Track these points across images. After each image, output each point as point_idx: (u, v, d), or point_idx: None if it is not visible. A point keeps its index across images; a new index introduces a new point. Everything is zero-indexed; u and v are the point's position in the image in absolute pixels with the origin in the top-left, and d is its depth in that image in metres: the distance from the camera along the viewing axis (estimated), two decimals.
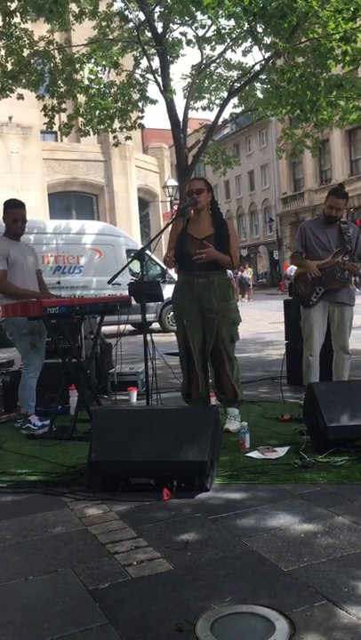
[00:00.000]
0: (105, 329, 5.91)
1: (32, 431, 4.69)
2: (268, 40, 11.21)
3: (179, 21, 12.36)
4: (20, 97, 11.79)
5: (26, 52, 11.64)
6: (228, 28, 12.25)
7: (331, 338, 5.04)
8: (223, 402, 4.58)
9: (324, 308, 4.96)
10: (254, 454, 3.81)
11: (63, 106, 12.26)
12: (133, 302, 5.18)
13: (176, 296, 4.57)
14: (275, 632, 1.91)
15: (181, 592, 2.21)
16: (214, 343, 4.41)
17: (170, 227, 4.59)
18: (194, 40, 13.15)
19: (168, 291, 5.32)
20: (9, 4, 10.63)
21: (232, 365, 4.48)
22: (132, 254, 4.65)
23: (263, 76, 12.77)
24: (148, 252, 4.80)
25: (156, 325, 13.83)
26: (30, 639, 1.99)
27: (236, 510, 2.96)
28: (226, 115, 14.69)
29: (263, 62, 11.82)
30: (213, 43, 13.29)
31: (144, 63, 13.17)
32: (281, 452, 3.82)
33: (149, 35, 12.46)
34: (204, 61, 13.98)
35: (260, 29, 10.51)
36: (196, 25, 12.48)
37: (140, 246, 11.24)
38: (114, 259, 13.73)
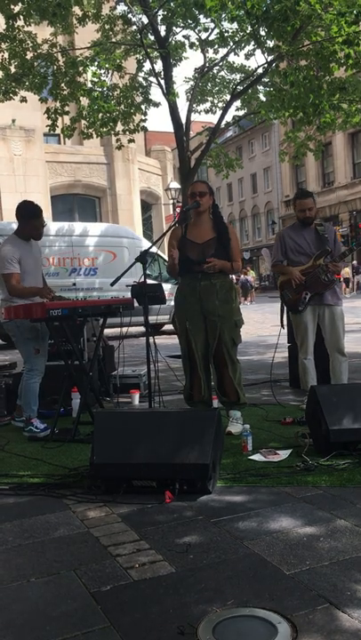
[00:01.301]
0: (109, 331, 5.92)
1: (35, 434, 4.70)
2: (270, 43, 11.25)
3: (182, 24, 12.39)
4: (24, 99, 11.81)
5: (29, 55, 11.67)
6: (230, 31, 12.29)
7: (324, 342, 5.04)
8: (225, 404, 4.58)
9: (314, 312, 4.99)
10: (256, 457, 3.81)
11: (66, 108, 12.28)
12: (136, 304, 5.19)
13: (178, 299, 4.57)
14: (277, 635, 1.90)
15: (183, 595, 2.21)
16: (217, 346, 4.41)
17: (168, 234, 4.58)
18: (197, 43, 13.18)
19: None
20: (12, 6, 10.66)
21: (234, 368, 4.48)
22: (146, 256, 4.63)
23: (266, 79, 12.80)
24: (159, 252, 4.82)
25: (170, 327, 13.83)
26: None
27: (238, 513, 2.96)
28: (229, 117, 14.79)
29: (266, 65, 11.85)
30: (216, 46, 13.33)
31: (147, 66, 13.21)
32: (283, 454, 3.81)
33: (152, 38, 12.49)
34: (207, 64, 14.01)
35: (262, 32, 10.54)
36: (199, 28, 12.50)
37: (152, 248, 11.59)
38: (127, 260, 13.83)
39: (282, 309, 5.23)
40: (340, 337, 4.97)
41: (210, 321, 4.41)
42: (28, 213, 4.95)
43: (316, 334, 5.07)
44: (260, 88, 14.07)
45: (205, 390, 4.55)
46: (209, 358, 4.50)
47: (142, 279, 4.64)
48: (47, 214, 23.32)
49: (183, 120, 12.79)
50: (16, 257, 4.77)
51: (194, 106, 14.54)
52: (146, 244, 15.67)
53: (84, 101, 12.56)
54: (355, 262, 31.20)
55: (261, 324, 14.51)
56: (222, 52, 13.76)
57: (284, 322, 5.30)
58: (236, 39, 12.58)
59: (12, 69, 11.63)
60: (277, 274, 5.29)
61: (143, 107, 13.17)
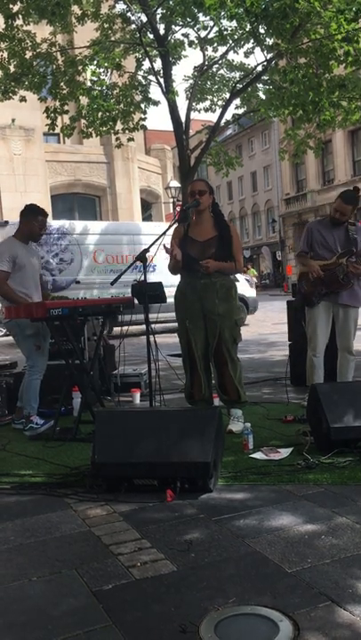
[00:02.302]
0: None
1: (35, 430, 4.69)
2: (270, 41, 11.22)
3: (181, 23, 12.37)
4: (23, 99, 11.81)
5: (28, 54, 11.67)
6: (230, 29, 12.24)
7: (336, 338, 5.04)
8: (226, 403, 4.58)
9: (328, 309, 4.95)
10: (257, 455, 3.81)
11: (65, 108, 12.28)
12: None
13: (178, 297, 4.57)
14: (279, 633, 1.90)
15: (185, 593, 2.21)
16: (217, 344, 4.41)
17: (171, 230, 4.59)
18: (196, 41, 13.16)
19: None
20: (11, 6, 10.65)
21: (235, 366, 4.48)
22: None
23: (265, 77, 12.79)
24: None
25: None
26: None
27: (239, 511, 2.96)
28: (228, 116, 14.70)
29: (265, 63, 11.84)
30: (215, 44, 13.30)
31: (146, 65, 13.21)
32: (284, 452, 3.81)
33: (151, 36, 12.48)
34: (207, 63, 14.00)
35: (262, 30, 10.52)
36: (198, 26, 12.49)
37: None
38: None
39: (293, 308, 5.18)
40: (351, 337, 4.96)
41: (210, 320, 4.41)
42: (32, 211, 4.96)
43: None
44: (260, 86, 14.07)
45: (206, 389, 4.55)
46: (209, 357, 4.50)
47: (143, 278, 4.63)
48: (46, 211, 23.32)
49: (183, 118, 12.78)
50: (10, 256, 4.78)
51: (193, 104, 14.52)
52: None
53: (84, 100, 12.56)
54: None
55: (262, 323, 14.49)
56: (222, 50, 13.78)
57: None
58: (236, 37, 12.55)
59: (12, 69, 11.63)
60: (299, 265, 5.27)
61: (143, 105, 13.17)
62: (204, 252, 4.37)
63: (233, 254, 4.44)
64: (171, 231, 4.63)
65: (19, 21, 11.06)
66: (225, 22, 11.67)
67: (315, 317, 4.96)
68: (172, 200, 23.02)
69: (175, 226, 4.68)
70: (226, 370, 4.46)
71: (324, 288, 4.88)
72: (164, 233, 4.51)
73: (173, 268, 4.51)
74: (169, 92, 12.04)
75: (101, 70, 12.57)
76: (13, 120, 22.59)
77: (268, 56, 11.61)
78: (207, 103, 15.07)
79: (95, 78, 12.49)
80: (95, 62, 12.21)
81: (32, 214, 4.98)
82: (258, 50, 12.47)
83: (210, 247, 4.40)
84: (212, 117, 15.91)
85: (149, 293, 4.82)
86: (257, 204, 48.38)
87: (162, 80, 12.33)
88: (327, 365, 5.04)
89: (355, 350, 5.07)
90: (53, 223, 13.48)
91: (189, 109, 13.91)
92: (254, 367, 7.61)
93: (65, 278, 13.22)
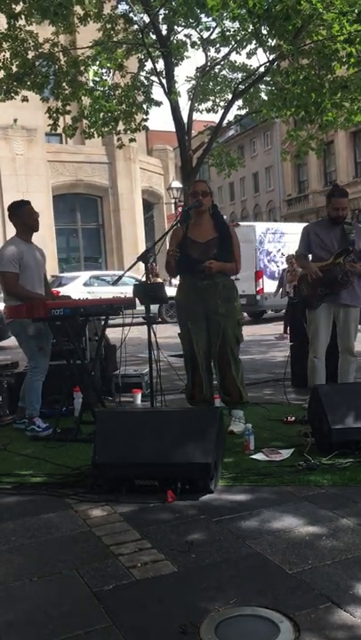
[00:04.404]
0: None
1: (37, 432, 4.70)
2: (272, 42, 11.20)
3: (183, 23, 12.36)
4: (25, 99, 11.80)
5: (30, 55, 11.65)
6: (232, 30, 12.26)
7: (337, 339, 5.04)
8: (228, 403, 4.58)
9: (329, 310, 4.95)
10: (258, 456, 3.80)
11: (68, 108, 12.27)
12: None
13: (180, 299, 4.57)
14: (279, 634, 1.90)
15: (186, 594, 2.21)
16: (221, 344, 4.41)
17: (170, 234, 4.57)
18: (198, 42, 13.16)
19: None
20: (14, 6, 10.65)
21: (237, 366, 4.48)
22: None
23: (268, 78, 12.76)
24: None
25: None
26: None
27: (240, 512, 2.95)
28: (230, 117, 14.69)
29: (268, 64, 11.82)
30: (218, 45, 13.31)
31: (148, 65, 13.18)
32: (285, 453, 3.81)
33: (154, 37, 12.47)
34: (209, 63, 14.00)
35: (264, 31, 10.51)
36: (200, 27, 12.48)
37: None
38: None
39: (287, 316, 5.23)
40: (351, 338, 4.96)
41: (213, 320, 4.41)
42: (16, 207, 4.95)
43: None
44: (262, 87, 14.04)
45: (207, 389, 4.55)
46: (211, 357, 4.50)
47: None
48: (49, 214, 23.33)
49: (185, 119, 12.77)
50: (17, 257, 4.77)
51: (195, 105, 14.53)
52: None
53: (86, 101, 12.55)
54: None
55: (264, 323, 14.49)
56: (224, 50, 13.76)
57: (288, 331, 5.29)
58: (238, 38, 12.55)
59: (14, 69, 11.63)
60: (299, 267, 5.31)
61: (145, 106, 13.15)
62: (205, 254, 4.38)
63: (234, 255, 4.44)
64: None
65: (21, 21, 11.05)
66: (227, 23, 11.70)
67: (316, 320, 4.97)
68: (173, 201, 23.02)
69: (175, 227, 4.68)
70: (229, 370, 4.46)
71: (323, 289, 4.88)
72: (166, 233, 4.50)
73: (169, 269, 4.52)
74: (171, 92, 12.03)
75: (104, 71, 12.56)
76: (15, 120, 22.60)
77: (271, 57, 11.60)
78: (209, 104, 15.09)
79: (97, 79, 12.48)
80: (97, 63, 12.20)
81: (18, 209, 4.96)
82: (260, 51, 12.43)
83: (211, 248, 4.40)
84: (215, 118, 15.90)
85: (150, 294, 4.82)
86: (259, 205, 48.34)
87: (164, 81, 12.32)
88: (328, 367, 5.04)
89: (356, 351, 5.07)
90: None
91: (191, 110, 13.91)
92: (256, 368, 7.60)
93: None
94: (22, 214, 4.94)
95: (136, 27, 12.80)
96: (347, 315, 4.93)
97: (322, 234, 5.01)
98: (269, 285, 14.86)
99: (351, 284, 4.86)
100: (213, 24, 12.47)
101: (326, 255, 4.94)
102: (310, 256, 5.12)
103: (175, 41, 12.75)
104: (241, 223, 18.78)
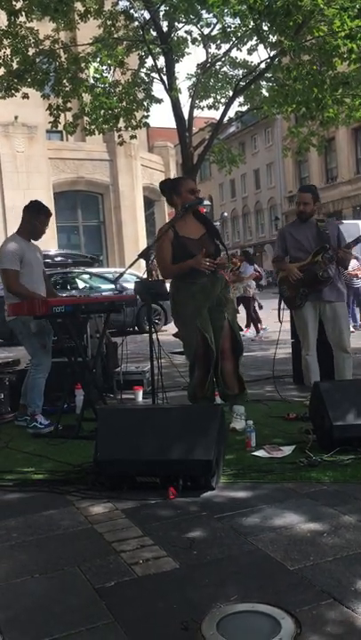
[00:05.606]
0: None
1: (39, 430, 4.70)
2: (273, 38, 11.18)
3: (184, 20, 12.34)
4: (26, 96, 11.79)
5: (31, 51, 11.64)
6: (233, 26, 12.23)
7: (327, 338, 5.02)
8: (230, 398, 4.55)
9: (315, 307, 4.97)
10: (260, 453, 3.80)
11: (68, 105, 12.26)
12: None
13: (185, 299, 4.45)
14: (280, 631, 1.90)
15: (187, 590, 2.21)
16: (231, 334, 4.41)
17: (161, 241, 4.46)
18: (199, 38, 13.13)
19: None
20: (14, 3, 10.63)
21: (239, 355, 4.52)
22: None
23: (269, 75, 12.74)
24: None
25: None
26: (36, 637, 1.99)
27: (241, 509, 2.96)
28: (231, 113, 14.66)
29: (269, 60, 11.80)
30: (219, 41, 13.26)
31: (149, 62, 13.16)
32: (287, 450, 3.81)
33: (154, 33, 12.44)
34: (210, 60, 13.96)
35: (265, 27, 10.49)
36: (201, 23, 12.48)
37: None
38: None
39: (280, 304, 5.23)
40: (343, 334, 4.95)
41: (217, 311, 4.40)
42: (37, 209, 4.95)
43: (320, 331, 5.05)
44: (263, 83, 14.01)
45: (209, 386, 4.53)
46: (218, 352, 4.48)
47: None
48: (50, 211, 23.31)
49: (186, 116, 12.74)
50: (18, 255, 4.77)
51: (196, 102, 14.51)
52: None
53: (87, 98, 12.54)
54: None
55: (265, 320, 14.47)
56: (225, 47, 13.80)
57: (282, 317, 5.28)
58: (239, 34, 12.52)
59: (14, 66, 11.61)
60: (278, 270, 5.29)
61: (145, 103, 13.14)
62: (200, 249, 4.35)
63: (224, 245, 4.51)
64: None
65: (21, 18, 11.03)
66: (228, 19, 11.69)
67: (303, 318, 4.99)
68: None
69: (164, 230, 4.58)
70: (235, 360, 4.45)
71: (305, 289, 4.90)
72: (165, 233, 4.48)
73: (168, 273, 4.49)
74: (172, 89, 12.01)
75: (104, 67, 12.55)
76: (16, 117, 22.57)
77: (272, 53, 11.57)
78: (210, 100, 15.05)
79: (98, 75, 12.46)
80: (98, 59, 12.19)
81: (36, 212, 4.96)
82: (261, 47, 12.37)
83: (207, 243, 4.40)
84: (215, 115, 15.90)
85: (152, 291, 4.82)
86: (260, 202, 48.33)
87: (165, 77, 12.29)
88: (324, 364, 5.04)
89: (350, 348, 5.05)
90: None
91: (192, 107, 13.88)
92: (257, 365, 7.60)
93: None
94: (39, 219, 4.96)
95: (137, 23, 12.77)
96: (334, 311, 4.91)
97: (297, 234, 5.04)
98: None
99: (332, 281, 4.87)
100: (214, 20, 12.46)
101: (304, 255, 4.97)
102: (287, 258, 5.14)
103: (176, 37, 12.73)
104: (345, 221, 18.75)
